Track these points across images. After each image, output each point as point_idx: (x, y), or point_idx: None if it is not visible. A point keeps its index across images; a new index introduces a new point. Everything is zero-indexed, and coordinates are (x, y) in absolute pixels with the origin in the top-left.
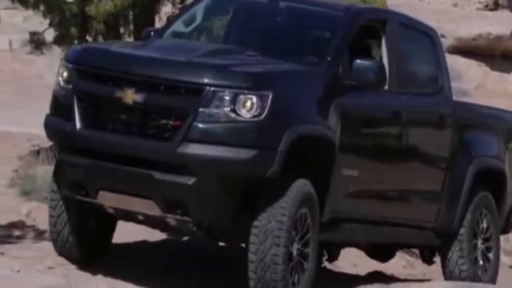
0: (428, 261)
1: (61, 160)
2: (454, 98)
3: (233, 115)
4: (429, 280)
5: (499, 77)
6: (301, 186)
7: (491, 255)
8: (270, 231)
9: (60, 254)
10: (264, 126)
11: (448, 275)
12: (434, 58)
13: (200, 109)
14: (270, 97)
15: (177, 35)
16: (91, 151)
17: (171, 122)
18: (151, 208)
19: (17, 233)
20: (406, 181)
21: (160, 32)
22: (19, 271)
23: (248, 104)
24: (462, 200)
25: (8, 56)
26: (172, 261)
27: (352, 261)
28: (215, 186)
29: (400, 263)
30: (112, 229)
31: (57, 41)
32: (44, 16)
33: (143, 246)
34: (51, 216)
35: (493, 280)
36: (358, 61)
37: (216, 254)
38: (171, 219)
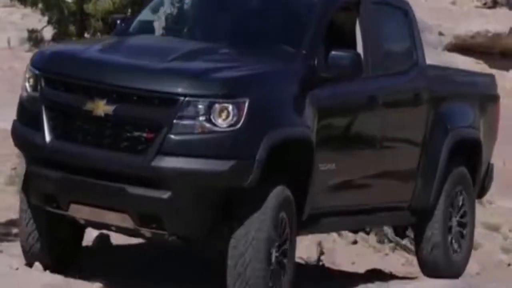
0: (402, 235)
1: (30, 171)
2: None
3: (208, 125)
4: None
5: (497, 74)
6: (280, 193)
7: (465, 235)
8: (249, 245)
9: (29, 263)
10: (241, 135)
11: (420, 253)
12: (409, 33)
13: (175, 121)
14: (247, 104)
15: (144, 24)
16: (61, 164)
17: (144, 134)
18: (125, 221)
19: (15, 231)
20: (383, 164)
21: (128, 22)
22: (17, 269)
23: (224, 113)
24: (438, 175)
25: (7, 53)
26: (158, 263)
27: (351, 258)
28: (191, 199)
29: (399, 261)
30: (82, 235)
31: (56, 38)
32: (43, 13)
33: (141, 245)
34: (20, 227)
35: (465, 261)
36: (334, 52)
37: (202, 256)
38: (146, 232)
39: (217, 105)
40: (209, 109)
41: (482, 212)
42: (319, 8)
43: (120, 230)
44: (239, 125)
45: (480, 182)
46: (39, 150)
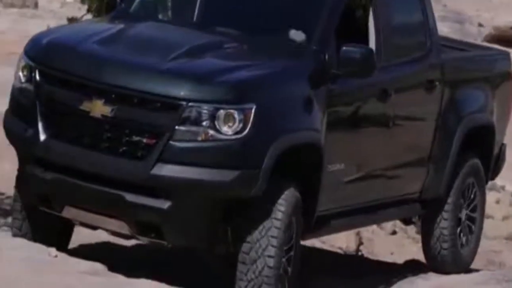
0: (408, 222)
1: (23, 169)
2: None
3: (212, 132)
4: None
5: None
6: (291, 196)
7: (473, 230)
8: (261, 253)
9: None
10: (247, 143)
11: (427, 245)
12: (423, 16)
13: (177, 127)
14: (253, 110)
15: (146, 4)
16: (55, 165)
17: (144, 140)
18: (122, 228)
19: None
20: (394, 157)
21: (128, 0)
22: (56, 256)
23: (229, 119)
24: (451, 163)
25: None
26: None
27: (389, 249)
28: (192, 210)
29: None
30: (72, 231)
31: None
32: (82, 2)
33: None
34: (14, 227)
35: (472, 255)
36: (345, 48)
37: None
38: (144, 239)
39: (222, 111)
40: (213, 115)
41: None
42: None
43: (117, 234)
44: (245, 133)
45: (493, 164)
46: (32, 147)
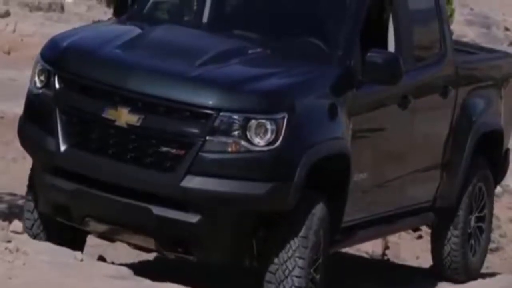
0: (415, 229)
1: (40, 178)
2: None
3: (244, 143)
4: (496, 273)
5: None
6: (320, 211)
7: (482, 237)
8: (290, 271)
9: None
10: (279, 155)
11: (437, 253)
12: (438, 21)
13: (207, 137)
14: (285, 120)
15: (159, 6)
16: (77, 175)
17: (173, 150)
18: (147, 242)
19: None
20: (413, 165)
21: (141, 1)
22: (82, 260)
23: (261, 130)
24: (463, 170)
25: None
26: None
27: (415, 253)
28: (222, 224)
29: None
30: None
31: None
32: (108, 5)
33: None
34: (26, 228)
35: (481, 262)
36: (370, 54)
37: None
38: (170, 254)
39: (253, 121)
40: (244, 125)
41: None
42: (355, 2)
43: (139, 248)
44: (277, 144)
45: (499, 169)
46: (51, 157)
